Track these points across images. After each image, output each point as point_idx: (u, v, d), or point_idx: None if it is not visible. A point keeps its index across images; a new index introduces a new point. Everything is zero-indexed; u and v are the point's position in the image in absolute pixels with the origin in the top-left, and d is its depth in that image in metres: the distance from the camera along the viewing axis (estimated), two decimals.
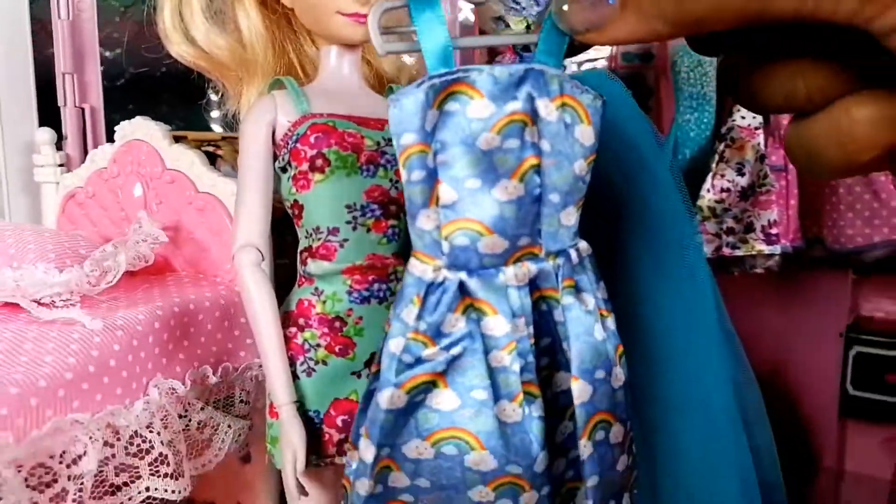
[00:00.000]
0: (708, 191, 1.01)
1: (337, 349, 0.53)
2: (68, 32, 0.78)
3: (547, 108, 0.36)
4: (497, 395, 0.38)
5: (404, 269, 0.42)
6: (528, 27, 0.75)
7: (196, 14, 0.55)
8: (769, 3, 0.24)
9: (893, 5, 0.22)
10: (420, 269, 0.37)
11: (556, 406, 0.40)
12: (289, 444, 0.51)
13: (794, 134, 0.28)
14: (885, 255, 1.04)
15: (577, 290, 0.39)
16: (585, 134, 0.37)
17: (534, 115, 0.36)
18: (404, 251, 0.55)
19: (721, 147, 1.02)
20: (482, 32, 0.79)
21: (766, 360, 1.31)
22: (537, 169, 0.37)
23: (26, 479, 0.48)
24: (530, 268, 0.38)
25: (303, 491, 0.51)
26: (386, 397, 0.37)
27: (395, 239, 0.54)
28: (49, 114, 0.85)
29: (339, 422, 0.52)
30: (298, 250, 0.56)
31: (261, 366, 0.71)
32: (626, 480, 0.43)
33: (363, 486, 0.39)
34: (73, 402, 0.51)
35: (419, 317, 0.37)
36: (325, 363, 0.53)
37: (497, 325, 0.38)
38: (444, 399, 0.39)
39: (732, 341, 0.84)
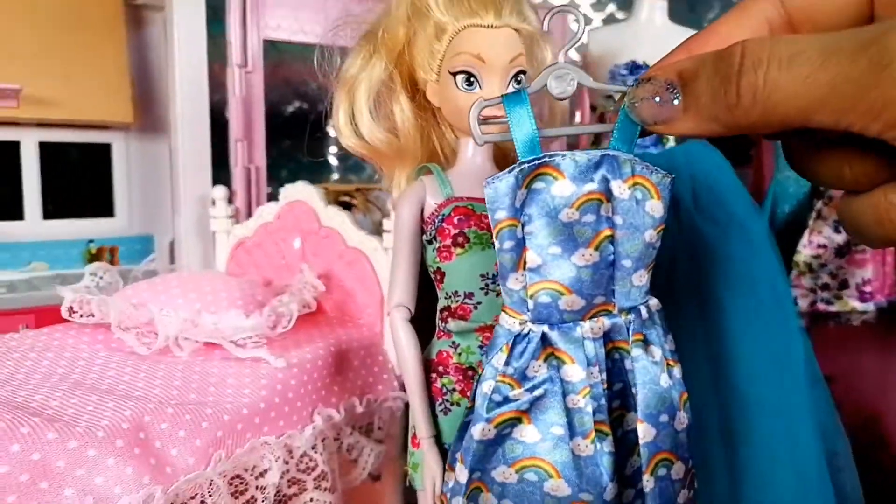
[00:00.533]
0: (805, 246, 1.05)
1: (469, 393, 0.63)
2: (241, 107, 0.93)
3: (620, 188, 0.43)
4: (573, 432, 0.45)
5: None
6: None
7: (363, 115, 0.67)
8: (809, 118, 0.27)
9: None
10: (509, 322, 0.45)
11: (627, 443, 0.46)
12: (429, 470, 0.60)
13: (843, 208, 0.32)
14: None
15: (645, 342, 0.45)
16: (655, 208, 0.43)
17: (608, 194, 0.43)
18: None
19: (819, 204, 1.06)
20: (593, 107, 0.89)
21: (864, 406, 1.32)
22: (612, 239, 0.44)
23: (229, 486, 0.62)
24: (605, 322, 0.45)
25: None
26: (478, 430, 0.45)
27: None
28: (219, 174, 1.01)
29: None
30: (438, 308, 0.66)
31: (396, 398, 0.82)
32: None
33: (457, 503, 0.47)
34: (263, 427, 0.63)
35: (507, 363, 0.45)
36: (458, 405, 0.63)
37: (574, 372, 0.44)
38: (527, 433, 0.45)
39: (821, 391, 0.90)
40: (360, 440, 0.73)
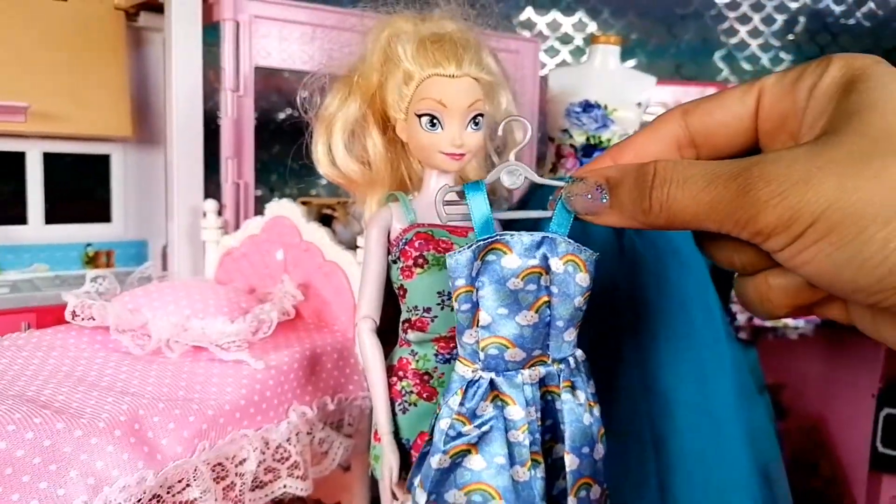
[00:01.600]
0: None
1: (425, 395, 0.69)
2: (232, 128, 1.02)
3: (556, 264, 0.52)
4: (512, 461, 0.54)
5: None
6: (587, 139, 0.92)
7: (339, 149, 0.75)
8: (700, 224, 0.35)
9: (771, 235, 0.33)
10: (463, 370, 0.55)
11: (555, 468, 0.56)
12: (387, 461, 0.65)
13: (736, 286, 0.41)
14: None
15: (572, 388, 0.55)
16: (583, 279, 0.53)
17: (547, 268, 0.52)
18: None
19: None
20: (550, 139, 0.98)
21: (810, 413, 1.42)
22: (548, 304, 0.53)
23: (212, 472, 0.70)
24: (540, 371, 0.55)
25: (395, 497, 0.70)
26: (436, 460, 0.54)
27: None
28: (210, 185, 1.10)
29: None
30: (401, 320, 0.75)
31: (364, 397, 0.91)
32: None
33: None
34: (243, 422, 0.72)
35: (461, 403, 0.54)
36: (415, 405, 0.68)
37: (515, 412, 0.54)
38: (474, 462, 0.55)
39: (757, 403, 0.98)
40: (330, 434, 0.82)
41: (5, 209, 1.14)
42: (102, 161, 1.21)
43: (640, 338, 0.85)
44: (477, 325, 0.53)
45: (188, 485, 0.65)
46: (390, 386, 0.70)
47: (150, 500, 0.62)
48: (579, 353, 0.57)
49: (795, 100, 0.36)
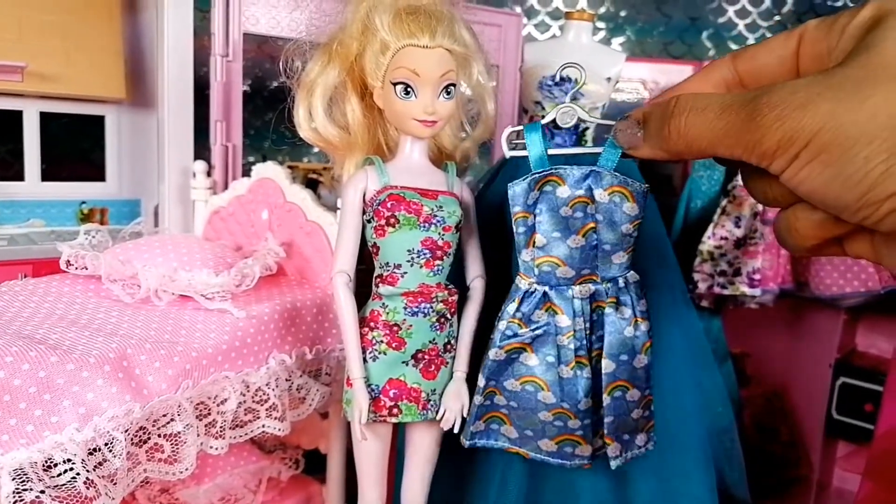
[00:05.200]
0: (709, 237, 1.20)
1: (393, 345, 0.72)
2: (221, 91, 1.06)
3: (600, 195, 0.60)
4: (559, 361, 0.63)
5: (444, 294, 0.69)
6: None
7: (319, 114, 0.79)
8: (714, 149, 0.37)
9: (774, 157, 0.34)
10: (521, 282, 0.64)
11: (602, 374, 0.64)
12: (357, 404, 0.70)
13: (774, 220, 0.41)
14: (857, 304, 1.20)
15: (617, 303, 0.63)
16: (630, 208, 0.61)
17: (592, 198, 0.60)
18: (446, 282, 0.78)
19: (724, 202, 1.21)
20: (524, 110, 1.02)
21: (772, 380, 1.49)
22: (594, 230, 0.61)
23: (195, 410, 0.76)
24: (590, 288, 0.63)
25: (363, 436, 0.74)
26: (493, 353, 0.64)
27: (438, 273, 0.72)
28: (199, 148, 1.14)
29: (391, 393, 0.71)
30: (374, 275, 0.80)
31: (342, 349, 0.96)
32: (640, 425, 0.68)
33: (478, 400, 0.66)
34: (225, 365, 0.77)
35: (518, 309, 0.64)
36: (385, 354, 0.71)
37: (563, 320, 0.63)
38: (530, 359, 0.65)
39: (714, 372, 1.03)
40: (308, 382, 0.87)
41: (4, 167, 1.19)
42: (97, 122, 1.25)
43: None
44: (533, 246, 0.62)
45: (172, 419, 0.70)
46: (362, 336, 0.75)
47: (137, 431, 0.68)
48: (631, 274, 0.64)
49: (830, 39, 0.38)
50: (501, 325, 0.64)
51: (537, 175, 0.61)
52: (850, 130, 0.32)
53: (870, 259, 0.39)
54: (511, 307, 0.64)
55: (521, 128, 0.62)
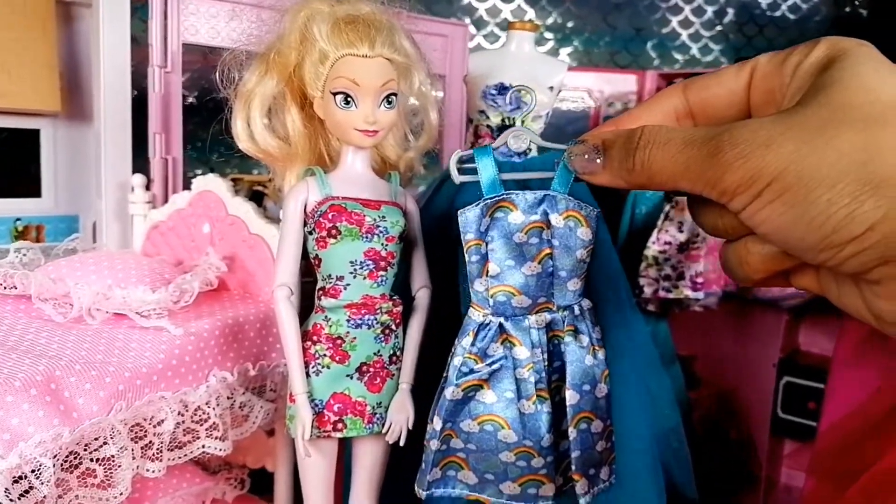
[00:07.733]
0: (654, 243, 1.22)
1: (337, 359, 0.70)
2: (160, 103, 1.03)
3: (556, 219, 0.58)
4: (519, 396, 0.61)
5: (388, 305, 0.69)
6: (503, 121, 0.97)
7: (257, 125, 0.78)
8: (676, 183, 0.37)
9: (735, 194, 0.35)
10: (475, 315, 0.61)
11: (563, 406, 0.62)
12: (300, 420, 0.68)
13: (721, 251, 0.42)
14: (799, 304, 1.23)
15: (575, 332, 0.61)
16: (584, 233, 0.59)
17: (548, 223, 0.58)
18: (390, 293, 0.77)
19: (668, 207, 1.23)
20: (469, 119, 1.02)
21: (721, 381, 1.52)
22: (551, 256, 0.59)
23: (130, 432, 0.73)
24: (546, 317, 0.61)
25: (307, 453, 0.71)
26: (450, 392, 0.61)
27: (382, 284, 0.72)
28: (139, 161, 1.11)
29: (335, 408, 0.70)
30: (316, 288, 0.78)
31: (285, 365, 0.94)
32: (604, 458, 0.66)
33: (434, 445, 0.63)
34: (161, 384, 0.74)
35: (472, 344, 0.61)
36: (328, 367, 0.70)
37: (521, 352, 0.60)
38: (487, 396, 0.62)
39: (660, 373, 1.04)
40: (251, 399, 0.85)
41: None
42: (32, 136, 1.21)
43: None
44: (486, 275, 0.59)
45: (105, 443, 0.68)
46: (305, 350, 0.74)
47: (67, 456, 0.65)
48: (585, 301, 0.62)
49: (782, 76, 0.39)
50: (457, 360, 0.61)
51: (489, 200, 0.58)
52: (815, 172, 0.32)
53: (816, 293, 0.39)
54: (466, 341, 0.60)
55: (470, 152, 0.59)
